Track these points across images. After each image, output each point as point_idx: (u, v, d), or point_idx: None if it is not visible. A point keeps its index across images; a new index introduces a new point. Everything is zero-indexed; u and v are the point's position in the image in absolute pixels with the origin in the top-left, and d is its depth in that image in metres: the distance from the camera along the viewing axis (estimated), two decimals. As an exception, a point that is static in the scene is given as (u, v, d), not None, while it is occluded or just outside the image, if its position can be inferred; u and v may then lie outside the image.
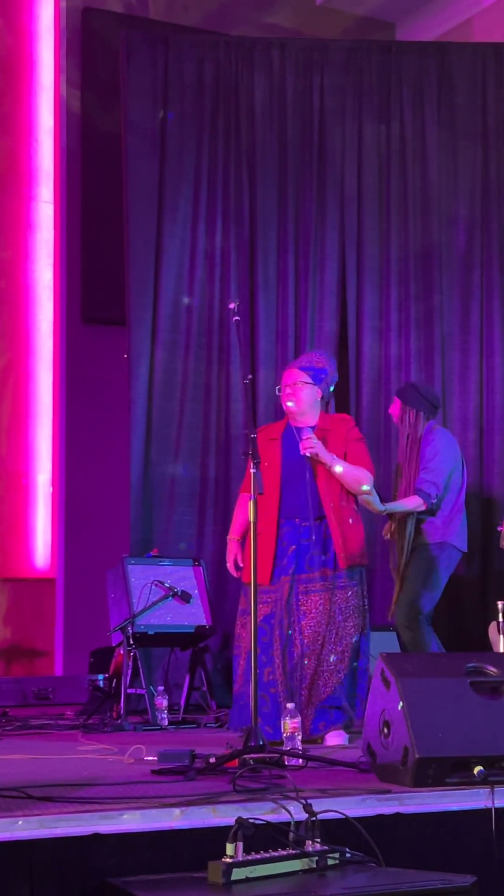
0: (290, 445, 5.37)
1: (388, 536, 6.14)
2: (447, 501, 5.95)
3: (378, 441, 7.32)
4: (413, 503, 5.89)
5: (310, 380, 5.40)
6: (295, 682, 5.12)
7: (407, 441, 6.03)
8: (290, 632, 5.16)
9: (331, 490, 5.27)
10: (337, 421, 5.52)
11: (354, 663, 5.22)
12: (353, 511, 5.36)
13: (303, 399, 5.40)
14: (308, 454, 5.27)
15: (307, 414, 5.44)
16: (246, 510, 5.25)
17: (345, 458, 5.32)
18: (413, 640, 5.93)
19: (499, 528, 6.18)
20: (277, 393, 5.41)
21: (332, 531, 5.23)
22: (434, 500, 5.87)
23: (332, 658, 5.15)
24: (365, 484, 5.35)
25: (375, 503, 5.61)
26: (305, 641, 5.15)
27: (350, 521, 5.30)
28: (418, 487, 5.88)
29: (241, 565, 5.42)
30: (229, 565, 5.51)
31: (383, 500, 5.88)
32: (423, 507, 5.88)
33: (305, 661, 5.14)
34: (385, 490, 6.64)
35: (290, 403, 5.40)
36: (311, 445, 5.26)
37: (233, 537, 5.54)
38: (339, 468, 5.27)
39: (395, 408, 6.16)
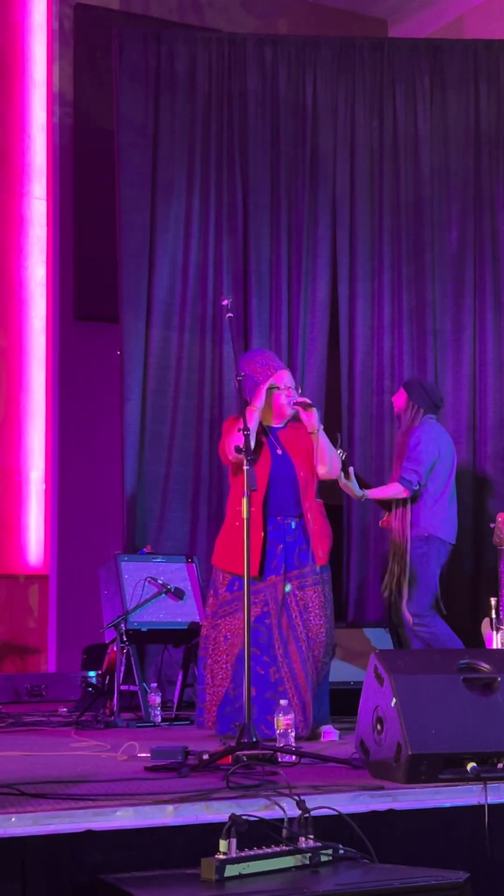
0: (273, 443, 5.39)
1: (384, 525, 6.24)
2: (429, 492, 6.03)
3: (370, 436, 7.33)
4: (393, 490, 6.04)
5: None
6: (309, 676, 5.12)
7: (403, 434, 6.12)
8: (292, 630, 5.17)
9: (308, 488, 5.33)
10: (298, 423, 5.49)
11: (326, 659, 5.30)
12: (323, 507, 5.43)
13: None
14: (296, 408, 5.30)
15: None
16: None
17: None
18: (431, 633, 6.05)
19: (491, 525, 6.20)
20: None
21: (313, 528, 5.28)
22: (416, 487, 6.00)
23: (325, 651, 5.22)
24: (339, 464, 5.44)
25: (354, 488, 5.74)
26: (311, 635, 5.19)
27: (324, 517, 5.38)
28: (401, 475, 6.01)
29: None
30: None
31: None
32: (403, 494, 6.01)
33: (314, 654, 5.16)
34: (379, 483, 6.68)
35: (292, 411, 5.40)
36: (305, 400, 5.31)
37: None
38: (322, 434, 5.30)
39: (400, 399, 6.25)
